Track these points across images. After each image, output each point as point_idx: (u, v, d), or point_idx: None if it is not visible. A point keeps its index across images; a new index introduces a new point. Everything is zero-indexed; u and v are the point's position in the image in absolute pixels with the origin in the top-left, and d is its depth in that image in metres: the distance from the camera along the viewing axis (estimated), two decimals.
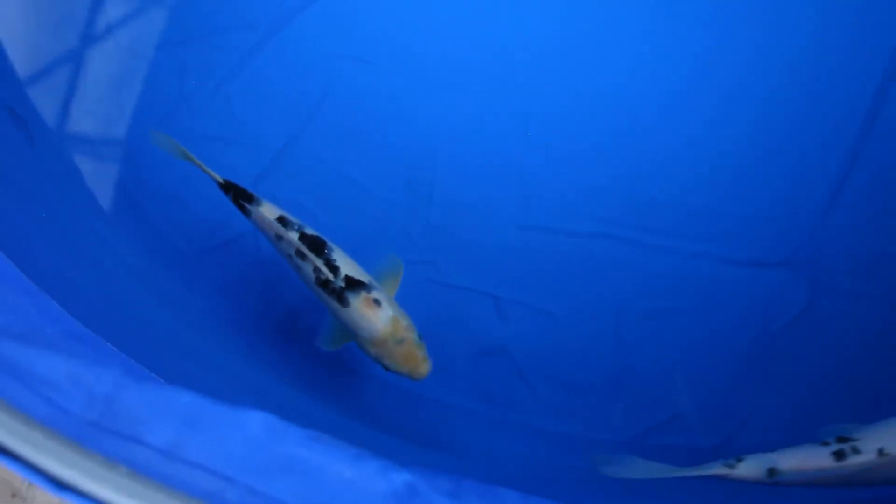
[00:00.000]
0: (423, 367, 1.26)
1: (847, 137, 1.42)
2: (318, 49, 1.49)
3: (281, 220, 1.26)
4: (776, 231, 1.41)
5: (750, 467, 1.10)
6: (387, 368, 1.27)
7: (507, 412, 1.38)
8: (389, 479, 0.84)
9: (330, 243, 1.26)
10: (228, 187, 1.28)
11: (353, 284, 1.24)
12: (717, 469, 1.11)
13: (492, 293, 1.42)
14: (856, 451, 1.08)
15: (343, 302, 1.24)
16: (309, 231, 1.26)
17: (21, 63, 1.43)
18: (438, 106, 1.49)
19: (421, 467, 0.88)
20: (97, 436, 0.78)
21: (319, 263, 1.24)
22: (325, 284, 1.25)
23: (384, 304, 1.25)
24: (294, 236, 1.25)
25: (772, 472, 1.10)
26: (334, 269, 1.24)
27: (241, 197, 1.27)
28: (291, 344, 1.44)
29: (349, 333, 1.28)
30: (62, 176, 1.40)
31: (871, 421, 1.13)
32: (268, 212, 1.26)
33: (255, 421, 0.86)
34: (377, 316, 1.24)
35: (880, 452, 1.07)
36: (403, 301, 1.32)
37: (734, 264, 1.40)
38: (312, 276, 1.25)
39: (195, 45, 1.48)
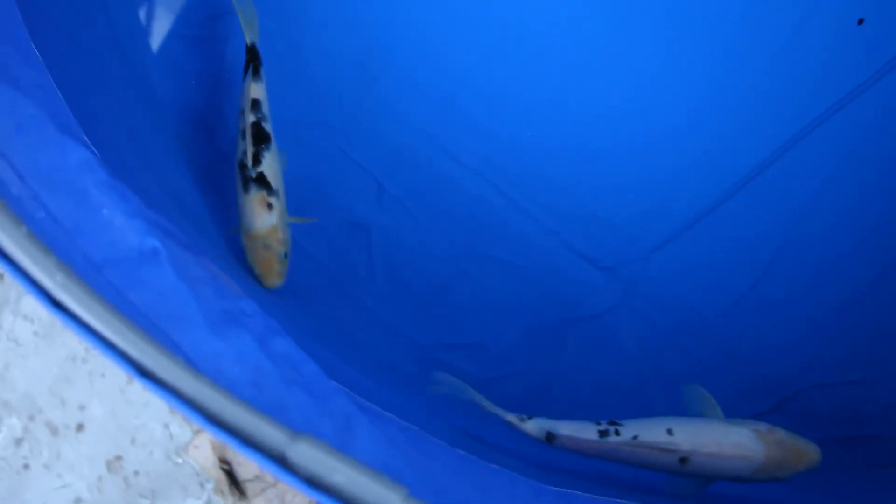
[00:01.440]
0: (272, 280, 1.27)
1: (710, 196, 1.44)
2: None
3: (255, 102, 1.31)
4: (619, 243, 1.45)
5: (534, 426, 1.17)
6: (248, 261, 1.29)
7: (346, 279, 1.43)
8: (143, 240, 0.91)
9: (273, 146, 1.30)
10: (251, 50, 1.33)
11: (261, 181, 1.28)
12: (511, 417, 1.18)
13: (380, 182, 1.46)
14: (617, 433, 1.15)
15: (246, 189, 1.28)
16: (266, 126, 1.31)
17: None
18: (423, 12, 1.49)
19: (175, 244, 0.94)
20: None
21: (249, 150, 1.28)
22: (242, 168, 1.29)
23: (275, 211, 1.28)
24: (251, 119, 1.30)
25: (549, 435, 1.16)
26: (257, 161, 1.28)
27: (253, 62, 1.32)
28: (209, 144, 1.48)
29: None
30: None
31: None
32: (253, 90, 1.31)
33: (76, 152, 0.93)
34: (262, 216, 1.26)
35: (634, 438, 1.14)
36: (311, 154, 1.39)
37: (574, 253, 1.44)
38: (239, 155, 1.29)
39: None
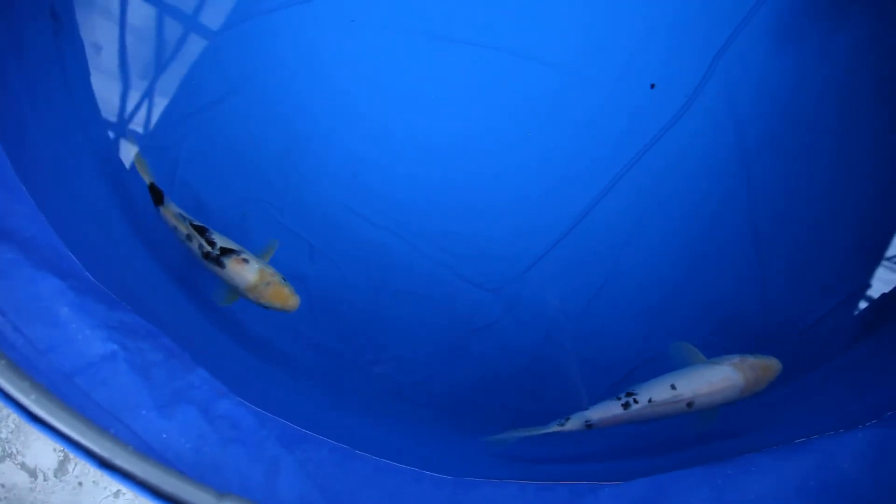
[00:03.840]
0: (292, 301, 1.26)
1: (559, 228, 1.49)
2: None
3: (180, 216, 1.28)
4: (498, 269, 1.50)
5: (574, 422, 1.21)
6: (266, 307, 1.26)
7: (293, 319, 1.45)
8: (104, 346, 0.96)
9: (211, 230, 1.28)
10: (153, 188, 1.30)
11: (226, 251, 1.26)
12: (553, 427, 1.20)
13: (310, 242, 1.50)
14: (636, 401, 1.19)
15: (220, 265, 1.25)
16: (196, 222, 1.28)
17: None
18: (327, 113, 1.53)
19: (134, 338, 0.99)
20: None
21: (202, 240, 1.25)
22: (207, 256, 1.26)
23: (251, 261, 1.26)
24: (185, 225, 1.26)
25: (588, 423, 1.21)
26: (212, 243, 1.26)
27: (156, 198, 1.30)
28: None
29: (235, 291, 1.28)
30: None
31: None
32: (174, 209, 1.29)
33: (48, 282, 0.98)
34: (246, 269, 1.25)
35: (650, 401, 1.19)
36: (254, 224, 1.44)
37: (464, 280, 1.49)
38: (199, 251, 1.26)
39: None
